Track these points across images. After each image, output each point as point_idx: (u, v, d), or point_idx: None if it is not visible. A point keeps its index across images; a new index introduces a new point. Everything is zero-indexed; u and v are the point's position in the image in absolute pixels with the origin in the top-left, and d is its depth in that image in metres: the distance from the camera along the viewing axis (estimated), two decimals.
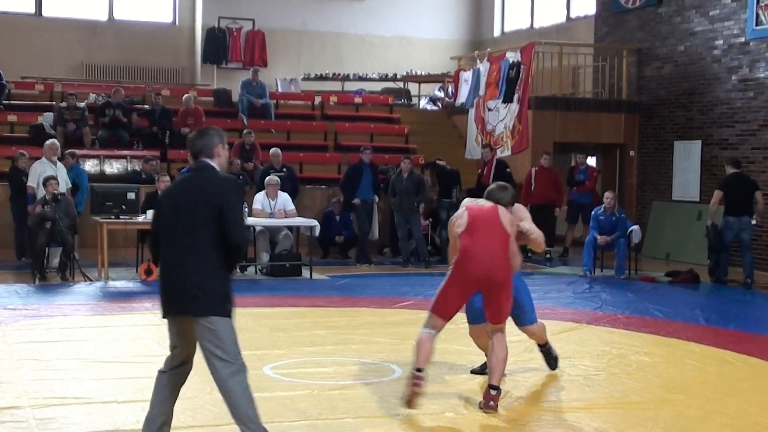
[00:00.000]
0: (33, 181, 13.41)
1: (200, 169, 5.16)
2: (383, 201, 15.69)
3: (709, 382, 7.30)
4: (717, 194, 13.28)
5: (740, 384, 7.25)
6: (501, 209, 6.41)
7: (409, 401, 6.11)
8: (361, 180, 15.02)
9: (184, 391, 6.47)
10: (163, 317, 5.11)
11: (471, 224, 6.30)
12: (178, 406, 6.03)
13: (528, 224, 6.75)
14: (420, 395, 6.10)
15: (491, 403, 6.23)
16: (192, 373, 7.03)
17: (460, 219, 6.39)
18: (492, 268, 6.19)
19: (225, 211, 4.94)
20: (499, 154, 16.40)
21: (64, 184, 13.29)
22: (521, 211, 6.87)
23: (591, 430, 5.91)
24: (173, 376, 5.17)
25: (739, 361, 8.05)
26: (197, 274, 4.96)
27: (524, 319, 7.10)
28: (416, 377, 6.12)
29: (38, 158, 13.82)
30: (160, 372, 5.19)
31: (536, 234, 6.75)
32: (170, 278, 5.06)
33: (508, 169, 15.73)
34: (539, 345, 7.41)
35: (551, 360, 7.39)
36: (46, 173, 13.03)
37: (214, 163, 5.15)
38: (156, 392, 5.18)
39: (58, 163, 13.82)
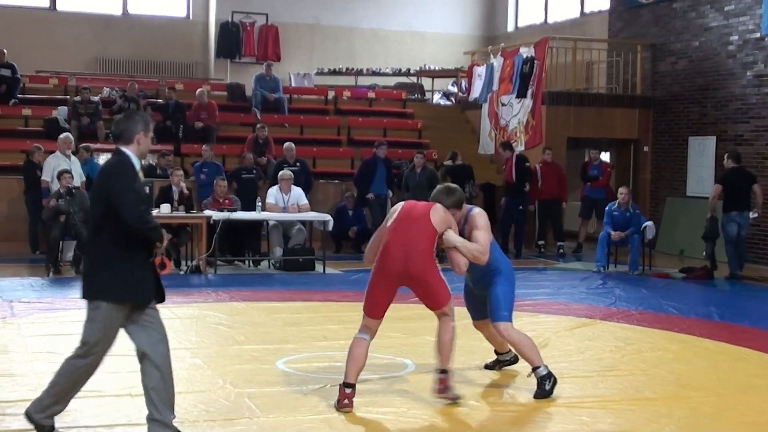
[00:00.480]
0: (47, 174, 13.47)
1: (113, 155, 5.13)
2: (396, 196, 15.68)
3: (723, 378, 7.27)
4: (716, 188, 13.43)
5: (754, 381, 7.21)
6: (437, 207, 6.18)
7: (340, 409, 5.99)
8: (375, 175, 15.04)
9: (197, 384, 6.52)
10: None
11: (398, 220, 6.12)
12: (191, 400, 6.06)
13: (453, 236, 6.16)
14: (350, 411, 5.95)
15: (440, 386, 6.13)
16: (204, 366, 7.09)
17: (392, 213, 6.23)
18: (407, 261, 5.98)
19: (111, 196, 4.91)
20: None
21: (78, 178, 13.34)
22: (478, 217, 6.38)
23: (605, 426, 5.89)
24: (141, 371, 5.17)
25: (754, 358, 8.01)
26: (89, 259, 5.12)
27: (494, 314, 6.52)
28: (345, 395, 5.97)
29: (53, 152, 13.89)
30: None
31: (463, 248, 6.17)
32: None
33: (527, 164, 15.70)
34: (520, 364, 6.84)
35: (540, 391, 6.43)
36: (60, 167, 13.08)
37: (130, 151, 5.05)
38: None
39: (72, 157, 13.88)
